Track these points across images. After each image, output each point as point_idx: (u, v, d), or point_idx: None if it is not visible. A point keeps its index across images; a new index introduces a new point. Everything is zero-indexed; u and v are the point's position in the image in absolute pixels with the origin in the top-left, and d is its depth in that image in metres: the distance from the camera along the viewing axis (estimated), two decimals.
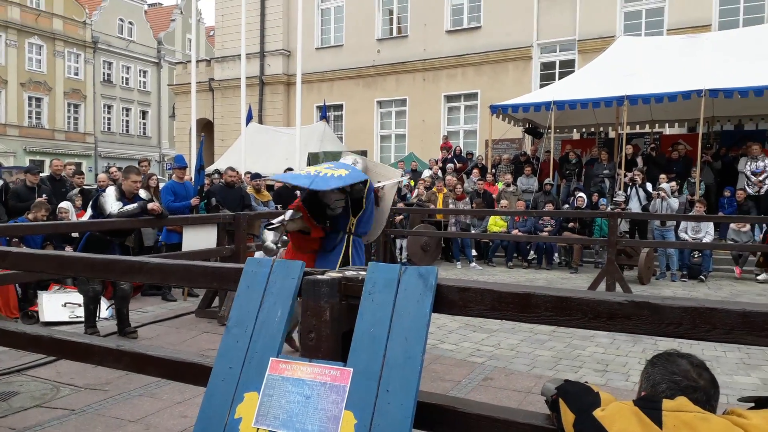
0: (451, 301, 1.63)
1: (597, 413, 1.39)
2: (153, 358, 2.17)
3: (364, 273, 1.86)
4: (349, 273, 1.89)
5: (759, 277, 9.76)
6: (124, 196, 5.79)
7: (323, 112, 18.67)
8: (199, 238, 6.45)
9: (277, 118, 21.79)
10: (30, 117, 33.37)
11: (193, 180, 8.50)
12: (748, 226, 10.23)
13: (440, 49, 19.05)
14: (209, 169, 13.23)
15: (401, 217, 11.22)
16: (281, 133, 17.94)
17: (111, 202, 5.67)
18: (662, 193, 10.71)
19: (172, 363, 2.13)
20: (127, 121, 39.71)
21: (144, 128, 40.90)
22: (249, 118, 17.43)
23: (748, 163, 11.48)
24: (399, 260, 10.82)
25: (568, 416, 1.47)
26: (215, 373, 1.82)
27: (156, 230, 8.11)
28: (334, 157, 15.44)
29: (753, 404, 1.44)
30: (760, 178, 11.02)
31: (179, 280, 2.22)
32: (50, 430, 3.49)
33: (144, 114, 40.79)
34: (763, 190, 10.99)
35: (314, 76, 20.62)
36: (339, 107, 21.21)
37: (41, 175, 9.16)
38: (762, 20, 14.75)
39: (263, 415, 1.70)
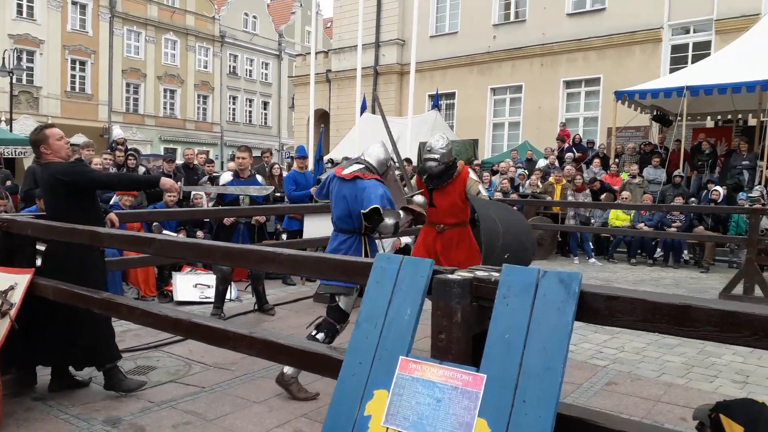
0: (595, 310, 1.52)
1: None
2: (284, 346, 2.23)
3: (496, 274, 1.79)
4: (479, 273, 1.83)
5: None
6: (238, 176, 6.13)
7: (435, 100, 18.57)
8: (319, 226, 6.65)
9: (390, 108, 21.97)
10: (164, 107, 36.18)
11: (312, 169, 8.78)
12: None
13: (560, 33, 18.24)
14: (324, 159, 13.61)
15: (515, 208, 10.89)
16: (393, 123, 18.02)
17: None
18: None
19: (302, 353, 2.19)
20: (250, 112, 41.90)
21: (265, 118, 42.97)
22: (363, 108, 17.73)
23: None
24: None
25: (735, 429, 1.33)
26: (345, 368, 1.83)
27: (275, 218, 8.49)
28: None
29: None
30: None
31: (311, 271, 2.27)
32: (184, 405, 3.74)
33: (265, 105, 42.82)
34: None
35: (427, 65, 20.53)
36: (451, 95, 21.00)
37: (176, 162, 9.87)
38: None
39: (393, 415, 1.69)
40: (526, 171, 13.26)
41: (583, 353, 5.16)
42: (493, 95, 20.27)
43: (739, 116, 14.45)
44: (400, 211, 4.29)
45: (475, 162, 13.76)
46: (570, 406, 1.65)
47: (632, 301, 1.46)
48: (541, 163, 13.77)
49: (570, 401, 3.89)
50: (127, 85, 34.01)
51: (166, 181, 4.00)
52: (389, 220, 4.19)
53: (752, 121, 13.91)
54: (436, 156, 4.64)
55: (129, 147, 11.10)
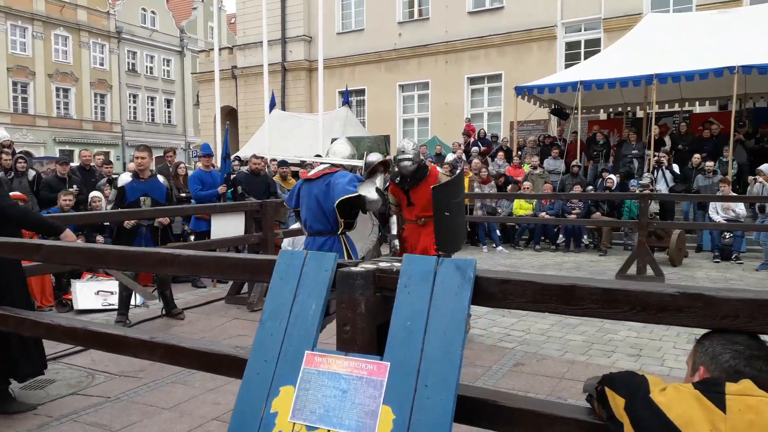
0: (490, 293, 1.58)
1: (654, 396, 1.33)
2: (187, 350, 2.17)
3: (398, 264, 1.82)
4: (382, 264, 1.85)
5: None
6: (138, 177, 5.88)
7: (345, 97, 18.59)
8: (227, 226, 6.48)
9: (300, 104, 21.77)
10: (58, 107, 33.91)
11: (219, 168, 8.54)
12: None
13: (462, 30, 18.77)
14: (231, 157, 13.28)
15: None
16: (304, 119, 17.93)
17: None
18: (761, 177, 9.62)
19: (206, 355, 2.13)
20: (153, 110, 40.11)
21: (169, 117, 41.29)
22: (272, 105, 17.45)
23: None
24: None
25: (617, 401, 1.42)
26: (250, 367, 1.80)
27: (182, 219, 8.19)
28: (357, 142, 15.35)
29: None
30: None
31: (211, 272, 2.21)
32: (86, 417, 3.55)
33: (169, 102, 41.14)
34: None
35: (336, 62, 20.51)
36: (361, 92, 21.09)
37: (71, 165, 9.30)
38: None
39: (299, 410, 1.68)
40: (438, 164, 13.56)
41: (492, 337, 5.37)
42: (401, 92, 20.55)
43: (629, 108, 15.52)
44: (374, 179, 4.42)
45: (387, 157, 13.89)
46: (470, 387, 1.71)
47: (523, 283, 1.53)
48: (449, 157, 14.13)
49: (480, 384, 4.03)
50: (14, 83, 31.61)
51: (68, 234, 3.80)
52: (369, 194, 4.21)
53: (640, 113, 14.98)
54: (410, 155, 5.11)
55: (18, 150, 10.35)
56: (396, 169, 5.29)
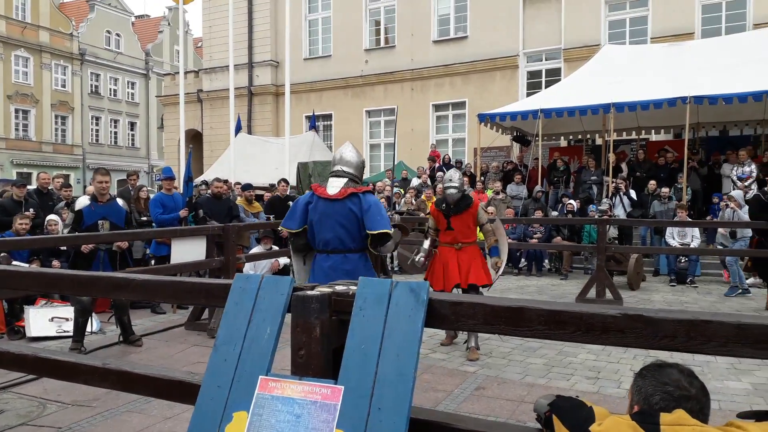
0: (442, 315, 1.61)
1: (594, 428, 1.37)
2: (140, 376, 2.13)
3: (354, 288, 1.84)
4: (339, 288, 1.87)
5: (747, 281, 9.79)
6: (96, 200, 5.78)
7: (312, 122, 18.63)
8: (188, 251, 6.39)
9: (267, 129, 21.74)
10: (17, 129, 33.11)
11: (181, 191, 8.44)
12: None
13: (427, 58, 19.12)
14: (197, 180, 13.14)
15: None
16: (271, 143, 17.89)
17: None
18: (732, 203, 9.70)
19: (159, 381, 2.09)
20: (116, 133, 39.49)
21: (133, 139, 40.69)
22: (238, 129, 17.38)
23: (735, 168, 11.59)
24: (391, 269, 10.79)
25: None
26: (203, 392, 1.78)
27: (144, 243, 8.04)
28: (323, 166, 15.38)
29: (754, 419, 1.43)
30: (746, 183, 11.11)
31: (166, 297, 2.18)
32: None
33: (132, 125, 40.58)
34: (749, 195, 11.08)
35: (303, 87, 20.61)
36: (328, 117, 21.20)
37: (28, 188, 9.07)
38: (744, 27, 14.95)
39: None
40: (401, 189, 13.68)
41: (453, 361, 5.39)
42: (368, 117, 20.73)
43: (588, 136, 15.96)
44: (399, 231, 4.53)
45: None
46: (423, 410, 1.72)
47: (473, 305, 1.56)
48: (415, 181, 14.28)
49: (441, 408, 4.04)
50: None
51: None
52: (391, 242, 4.27)
53: (599, 141, 15.42)
54: (456, 184, 5.68)
55: None
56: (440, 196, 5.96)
